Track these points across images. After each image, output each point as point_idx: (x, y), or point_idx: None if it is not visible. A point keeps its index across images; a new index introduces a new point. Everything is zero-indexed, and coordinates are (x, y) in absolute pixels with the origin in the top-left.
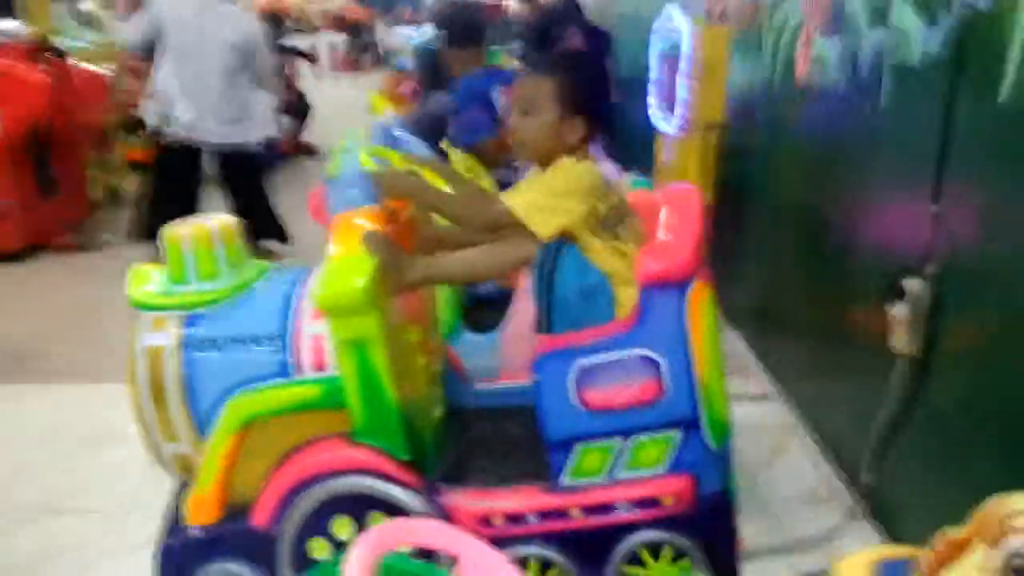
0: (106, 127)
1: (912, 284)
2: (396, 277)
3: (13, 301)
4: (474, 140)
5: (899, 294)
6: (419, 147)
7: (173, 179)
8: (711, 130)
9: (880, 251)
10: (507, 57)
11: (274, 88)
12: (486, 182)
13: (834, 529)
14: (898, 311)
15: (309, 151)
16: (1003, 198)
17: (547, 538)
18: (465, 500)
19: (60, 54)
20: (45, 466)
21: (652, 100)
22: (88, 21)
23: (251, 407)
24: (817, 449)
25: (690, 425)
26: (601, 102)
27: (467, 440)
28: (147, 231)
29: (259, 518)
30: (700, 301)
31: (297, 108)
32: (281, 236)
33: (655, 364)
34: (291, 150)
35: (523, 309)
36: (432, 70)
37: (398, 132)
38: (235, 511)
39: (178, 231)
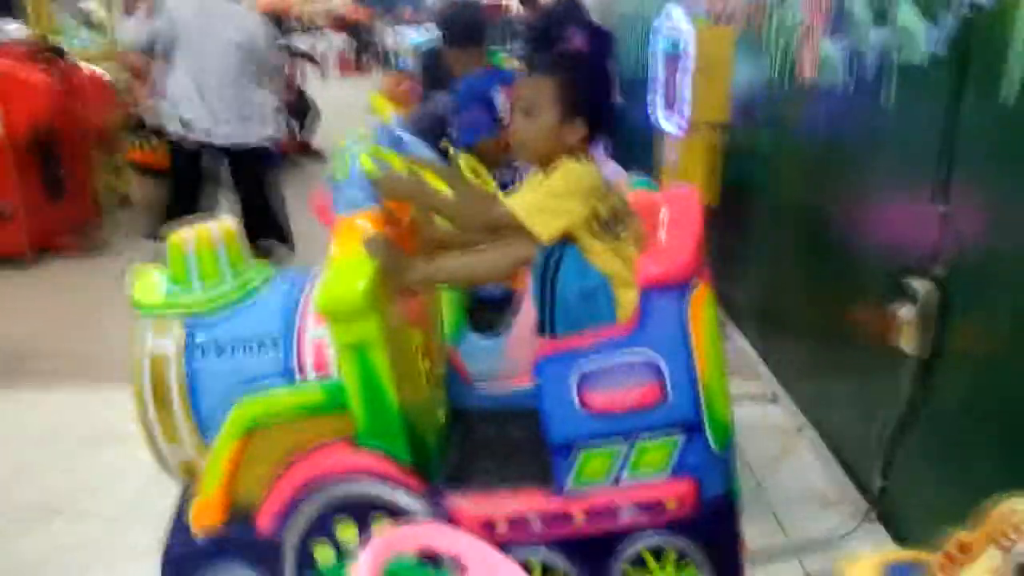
0: (110, 129)
1: (919, 285)
2: (397, 280)
3: (17, 302)
4: (473, 140)
5: (906, 295)
6: (420, 148)
7: (186, 180)
8: (714, 130)
9: (886, 251)
10: (508, 58)
11: (276, 88)
12: (489, 183)
13: (842, 531)
14: (905, 312)
15: (312, 152)
16: (1009, 198)
17: (550, 542)
18: (468, 504)
19: (62, 55)
20: (46, 468)
21: (654, 100)
22: (89, 22)
23: (254, 411)
24: (824, 450)
25: (692, 428)
26: (602, 103)
27: (470, 443)
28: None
29: (263, 522)
30: (701, 303)
31: (299, 109)
32: (284, 238)
33: (657, 367)
34: (294, 151)
35: (528, 311)
36: (433, 70)
37: (400, 133)
38: (239, 515)
39: (180, 234)
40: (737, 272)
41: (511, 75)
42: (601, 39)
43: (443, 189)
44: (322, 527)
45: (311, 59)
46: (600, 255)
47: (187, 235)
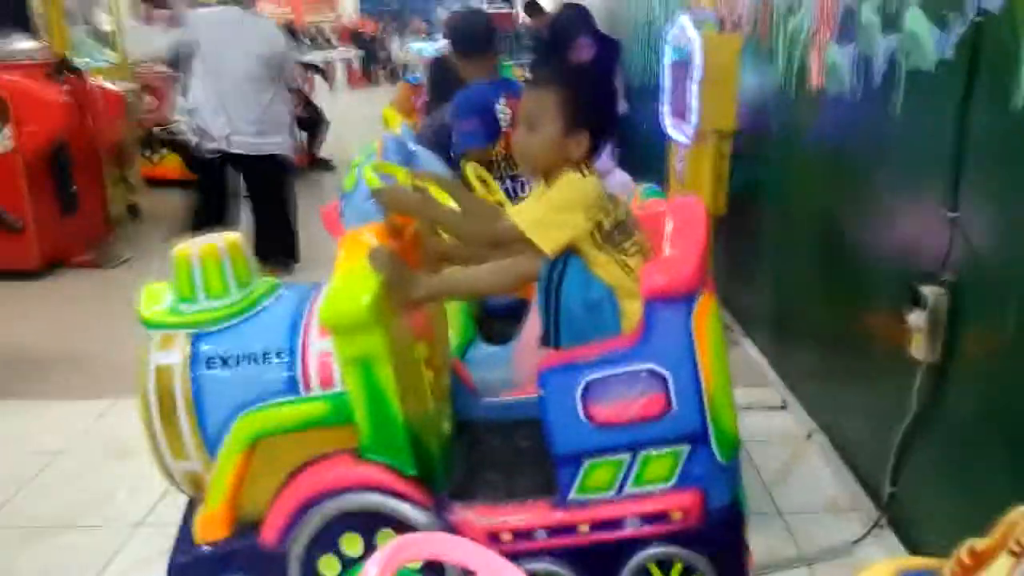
0: (125, 144)
1: (928, 291)
2: (401, 293)
3: (31, 316)
4: (465, 149)
5: (916, 301)
6: (432, 160)
7: (211, 191)
8: (723, 138)
9: (896, 258)
10: (518, 69)
11: (292, 99)
12: (497, 192)
13: (855, 539)
14: (915, 319)
15: (321, 163)
16: (1020, 203)
17: (556, 554)
18: (474, 516)
19: (78, 72)
20: (57, 481)
21: (664, 109)
22: (99, 35)
23: (259, 424)
24: (836, 458)
25: (698, 439)
26: (605, 115)
27: (476, 455)
28: None
29: (268, 535)
30: (706, 314)
31: (312, 122)
32: (291, 255)
33: (662, 378)
34: (306, 164)
35: (536, 319)
36: (441, 80)
37: (412, 146)
38: (244, 528)
39: (186, 249)
40: (746, 279)
41: (514, 85)
42: (607, 48)
43: (447, 202)
44: (327, 540)
45: (320, 71)
46: (604, 267)
47: (193, 249)
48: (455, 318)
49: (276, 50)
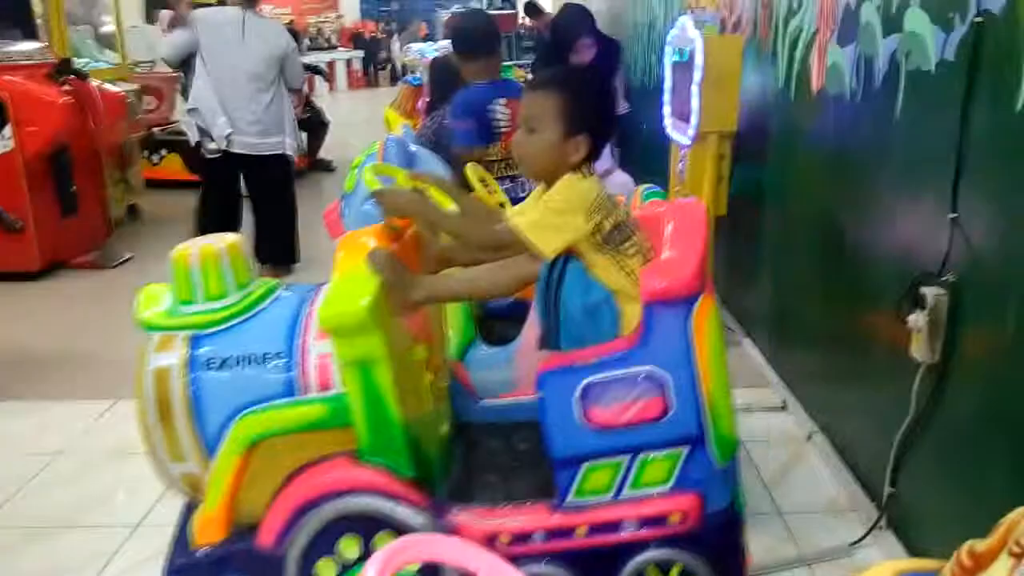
0: (125, 145)
1: (929, 292)
2: (400, 296)
3: (31, 317)
4: (459, 148)
5: (917, 302)
6: (433, 161)
7: (217, 191)
8: (724, 139)
9: (897, 259)
10: (519, 70)
11: (295, 101)
12: (499, 192)
13: (854, 540)
14: (916, 319)
15: (324, 166)
16: (1020, 204)
17: (554, 557)
18: (472, 518)
19: (80, 75)
20: (57, 481)
21: (665, 110)
22: (108, 42)
23: (257, 427)
24: (835, 459)
25: (696, 442)
26: (605, 119)
27: (474, 457)
28: None
29: (266, 538)
30: (705, 317)
31: (312, 124)
32: (291, 256)
33: (660, 381)
34: (306, 165)
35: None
36: (442, 81)
37: (412, 147)
38: (242, 531)
39: (185, 250)
40: (747, 280)
41: (514, 86)
42: (608, 49)
43: (447, 204)
44: (324, 542)
45: (321, 73)
46: (604, 270)
47: (192, 250)
48: (455, 319)
49: (279, 51)
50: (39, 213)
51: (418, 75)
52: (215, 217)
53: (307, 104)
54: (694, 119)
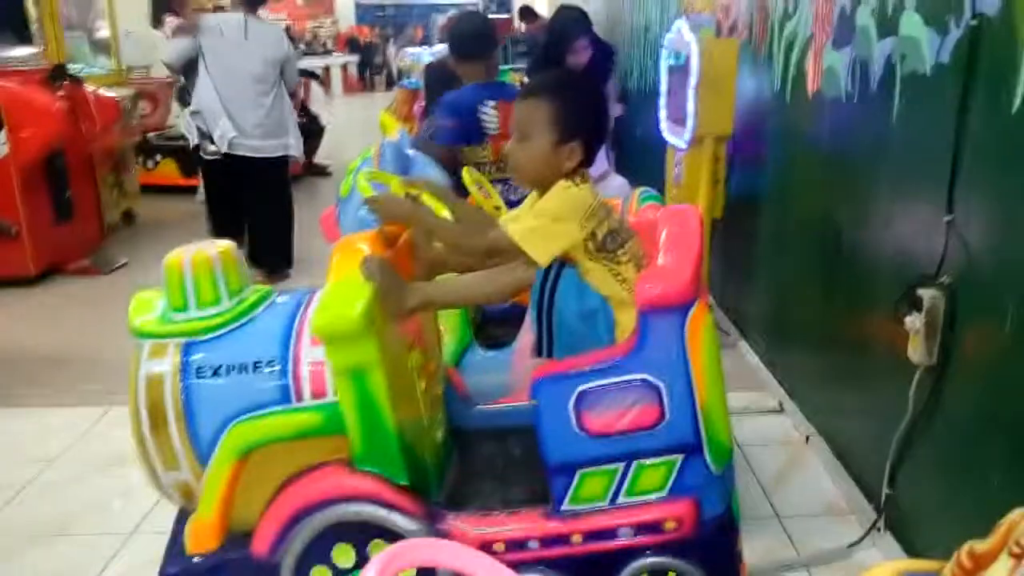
0: (121, 151)
1: (925, 293)
2: (394, 303)
3: (26, 323)
4: (439, 144)
5: (913, 304)
6: (429, 165)
7: (219, 194)
8: (719, 142)
9: (893, 261)
10: (515, 74)
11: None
12: (494, 196)
13: (853, 542)
14: (912, 321)
15: (320, 171)
16: (1016, 205)
17: (549, 564)
18: (467, 525)
19: (76, 80)
20: (52, 487)
21: (661, 113)
22: (103, 48)
23: (251, 434)
24: (833, 461)
25: (691, 449)
26: (597, 125)
27: (469, 463)
28: None
29: (260, 546)
30: (700, 324)
31: (309, 129)
32: (287, 260)
33: (655, 388)
34: (303, 170)
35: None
36: (439, 85)
37: (409, 151)
38: (236, 539)
39: (177, 257)
40: (743, 282)
41: (507, 89)
42: (602, 53)
43: (441, 209)
44: (319, 550)
45: (316, 78)
46: (598, 277)
47: (184, 257)
48: (452, 323)
49: (280, 54)
50: (34, 219)
51: (414, 79)
52: (222, 219)
53: (303, 109)
54: (690, 122)
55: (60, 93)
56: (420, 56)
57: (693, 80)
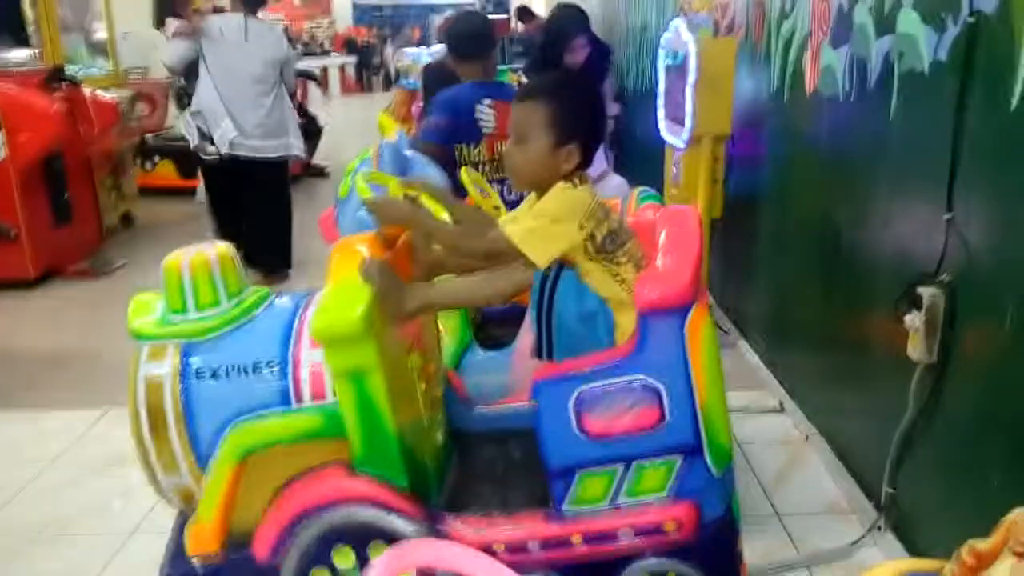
0: (119, 153)
1: (925, 292)
2: (393, 306)
3: (26, 326)
4: (424, 141)
5: (913, 302)
6: (428, 165)
7: (220, 194)
8: (717, 142)
9: (893, 259)
10: (513, 75)
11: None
12: (493, 196)
13: (854, 541)
14: (912, 319)
15: (318, 172)
16: (1015, 203)
17: (550, 566)
18: (467, 528)
19: (74, 82)
20: (52, 489)
21: (660, 113)
22: (101, 49)
23: (251, 437)
24: (834, 460)
25: (692, 451)
26: (595, 126)
27: (469, 466)
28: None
29: (260, 549)
30: (700, 326)
31: (307, 130)
32: (286, 261)
33: (655, 390)
34: (301, 171)
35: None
36: (438, 85)
37: (408, 152)
38: (236, 542)
39: (176, 259)
40: (743, 281)
41: (504, 88)
42: (599, 52)
43: (439, 211)
44: (319, 553)
45: (314, 78)
46: (597, 278)
47: (183, 259)
48: (452, 323)
49: (281, 54)
50: (33, 221)
51: (412, 79)
52: (225, 220)
53: (300, 110)
54: (688, 122)
55: (58, 95)
56: (418, 56)
57: (691, 80)
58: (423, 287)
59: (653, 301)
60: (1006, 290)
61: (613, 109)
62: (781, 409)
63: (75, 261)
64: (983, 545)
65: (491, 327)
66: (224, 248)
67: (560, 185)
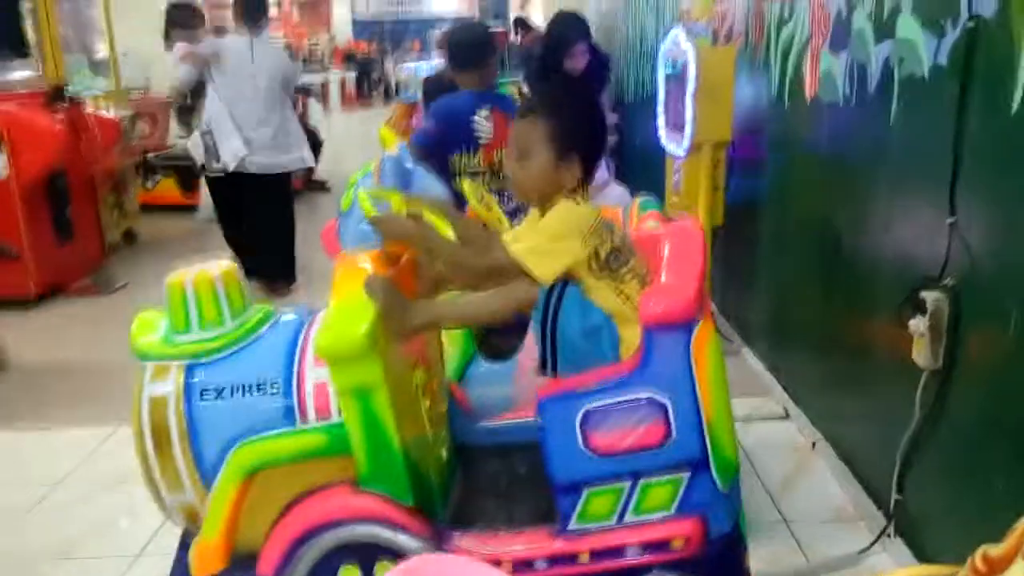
0: (121, 171)
1: (929, 296)
2: (398, 323)
3: (29, 345)
4: (416, 146)
5: (917, 307)
6: (430, 179)
7: (229, 210)
8: (719, 149)
9: (896, 264)
10: (512, 86)
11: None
12: (495, 210)
13: (862, 548)
14: (917, 324)
15: (319, 186)
16: (1018, 206)
17: None
18: (473, 544)
19: (75, 101)
20: (58, 509)
21: (660, 122)
22: (102, 68)
23: (256, 455)
24: (841, 467)
25: (698, 466)
26: (595, 140)
27: (474, 481)
28: None
29: (265, 568)
30: (705, 341)
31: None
32: (290, 275)
33: (661, 406)
34: (302, 185)
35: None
36: (436, 95)
37: (409, 164)
38: (241, 561)
39: (180, 277)
40: (745, 289)
41: (502, 99)
42: (598, 61)
43: (442, 226)
44: (325, 571)
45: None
46: (601, 294)
47: (186, 277)
48: (455, 335)
49: (288, 71)
50: (35, 240)
51: (412, 92)
52: (234, 235)
53: (307, 128)
54: (688, 130)
55: (60, 114)
56: (418, 69)
57: (690, 89)
58: (427, 304)
59: (658, 316)
60: (1010, 294)
61: (610, 119)
62: (786, 416)
63: (78, 279)
64: (996, 551)
65: (494, 338)
66: (228, 266)
67: (564, 202)
